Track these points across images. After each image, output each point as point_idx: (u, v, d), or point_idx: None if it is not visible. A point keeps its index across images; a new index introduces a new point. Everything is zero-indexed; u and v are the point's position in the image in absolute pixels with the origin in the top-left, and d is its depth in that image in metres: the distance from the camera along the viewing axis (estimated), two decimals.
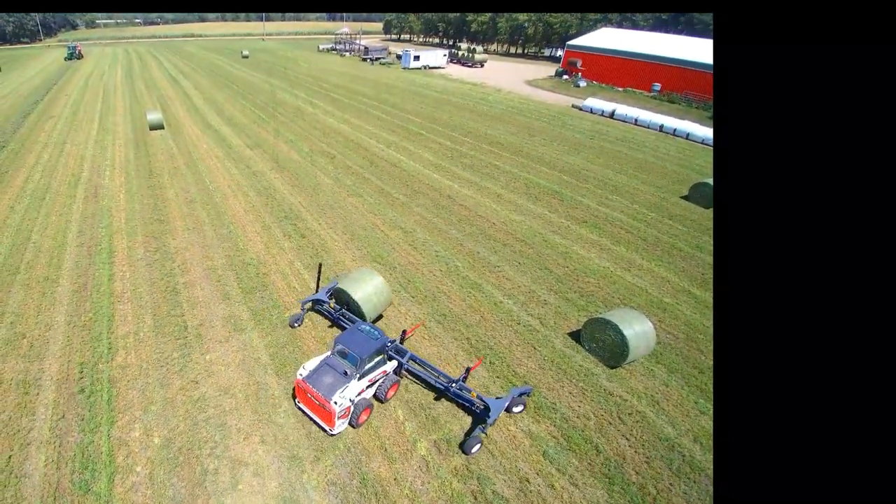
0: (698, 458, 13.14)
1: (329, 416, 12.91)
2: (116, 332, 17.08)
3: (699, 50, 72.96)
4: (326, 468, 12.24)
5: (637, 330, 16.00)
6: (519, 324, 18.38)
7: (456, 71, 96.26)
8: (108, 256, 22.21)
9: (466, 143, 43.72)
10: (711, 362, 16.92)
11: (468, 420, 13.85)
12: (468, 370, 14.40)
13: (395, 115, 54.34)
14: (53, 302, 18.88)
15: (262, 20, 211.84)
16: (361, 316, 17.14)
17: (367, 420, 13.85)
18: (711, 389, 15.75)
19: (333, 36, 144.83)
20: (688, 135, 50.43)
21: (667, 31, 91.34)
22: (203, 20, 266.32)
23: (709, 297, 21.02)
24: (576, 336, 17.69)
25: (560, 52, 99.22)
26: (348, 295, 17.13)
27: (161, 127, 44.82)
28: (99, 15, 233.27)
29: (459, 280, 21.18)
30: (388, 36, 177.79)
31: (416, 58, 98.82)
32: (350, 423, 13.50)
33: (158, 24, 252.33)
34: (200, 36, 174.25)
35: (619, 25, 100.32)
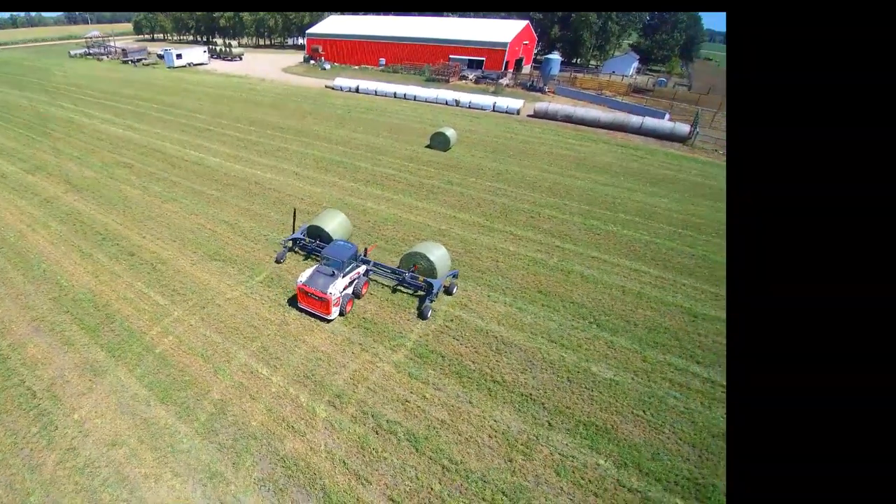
0: (505, 335, 13.93)
1: (327, 305, 13.83)
2: None
3: (412, 27, 72.35)
4: (248, 470, 9.83)
5: (437, 254, 16.14)
6: None
7: (219, 66, 79.00)
8: None
9: (253, 131, 37.12)
10: (486, 264, 18.12)
11: (347, 372, 12.53)
12: (414, 266, 15.72)
13: (178, 114, 42.87)
14: None
15: None
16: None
17: (350, 310, 14.82)
18: (493, 283, 16.63)
19: (84, 40, 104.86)
20: (415, 97, 50.86)
21: None
22: None
23: (467, 216, 22.27)
24: None
25: (302, 41, 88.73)
26: (321, 229, 17.92)
27: None
28: None
29: (293, 256, 18.48)
30: (140, 36, 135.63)
31: (179, 56, 77.97)
32: (340, 312, 14.42)
33: None
34: None
35: (342, 13, 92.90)
